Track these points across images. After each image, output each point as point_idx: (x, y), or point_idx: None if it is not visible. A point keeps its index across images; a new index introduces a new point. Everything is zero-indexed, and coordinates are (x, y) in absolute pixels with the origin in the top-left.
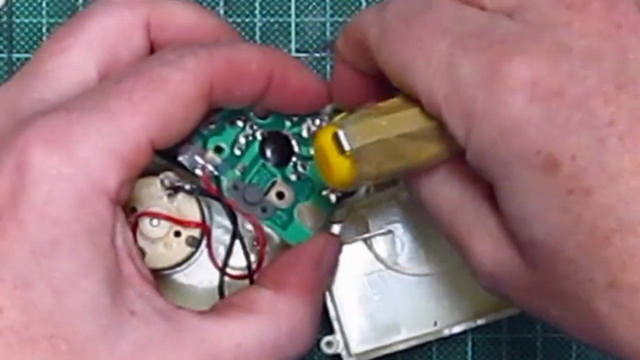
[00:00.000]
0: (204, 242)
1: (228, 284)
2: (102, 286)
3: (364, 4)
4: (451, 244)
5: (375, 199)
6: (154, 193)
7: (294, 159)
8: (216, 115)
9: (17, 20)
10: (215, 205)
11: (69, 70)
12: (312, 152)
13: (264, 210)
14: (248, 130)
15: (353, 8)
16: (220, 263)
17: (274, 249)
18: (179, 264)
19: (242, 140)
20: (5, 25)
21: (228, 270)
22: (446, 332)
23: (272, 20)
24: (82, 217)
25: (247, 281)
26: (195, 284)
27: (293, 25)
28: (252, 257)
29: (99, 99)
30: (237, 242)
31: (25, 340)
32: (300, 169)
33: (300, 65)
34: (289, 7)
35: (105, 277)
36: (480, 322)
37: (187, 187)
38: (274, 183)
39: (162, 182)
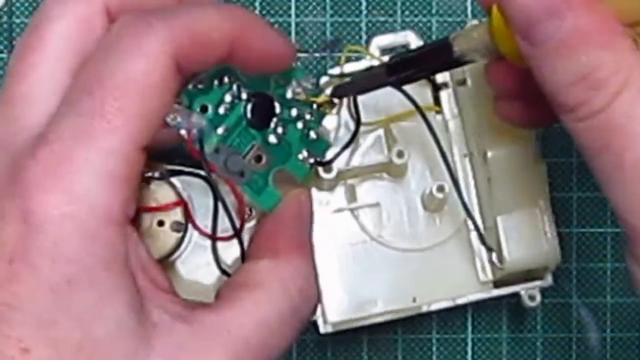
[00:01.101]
0: (190, 225)
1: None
2: (125, 310)
3: (363, 4)
4: None
5: (365, 170)
6: None
7: (275, 120)
8: (202, 74)
9: (17, 20)
10: (195, 187)
11: (43, 87)
12: (293, 113)
13: (242, 174)
14: (234, 90)
15: (353, 8)
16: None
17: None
18: (171, 253)
19: (228, 98)
20: (5, 25)
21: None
22: (424, 309)
23: (272, 20)
24: (93, 250)
25: (237, 251)
26: (193, 269)
27: (293, 25)
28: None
29: (74, 123)
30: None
31: None
32: (280, 131)
33: (264, 26)
34: (289, 7)
35: (126, 300)
36: (459, 301)
37: (157, 174)
38: (253, 146)
39: None
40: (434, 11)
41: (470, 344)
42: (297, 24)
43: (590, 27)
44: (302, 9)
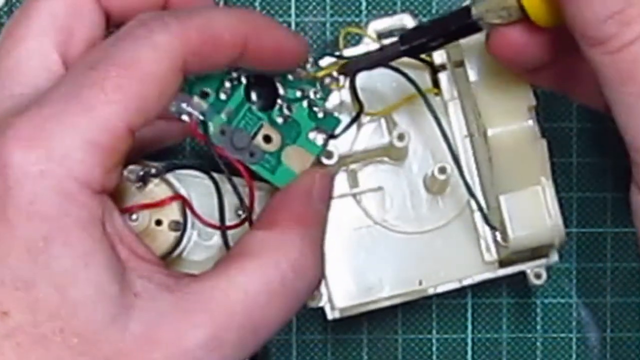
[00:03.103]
0: (189, 224)
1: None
2: (104, 275)
3: (363, 4)
4: None
5: (366, 154)
6: (124, 191)
7: (279, 101)
8: None
9: None
10: (194, 186)
11: (30, 59)
12: (297, 94)
13: (252, 154)
14: (233, 74)
15: (353, 8)
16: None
17: (264, 198)
18: (170, 252)
19: (227, 84)
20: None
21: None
22: (431, 291)
23: None
24: (69, 211)
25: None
26: (193, 268)
27: (293, 25)
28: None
29: (71, 90)
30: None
31: (37, 338)
32: (286, 111)
33: (276, 26)
34: (289, 7)
35: (105, 265)
36: (465, 282)
37: (153, 171)
38: (261, 127)
39: (128, 178)
40: (433, 11)
41: (470, 344)
42: (297, 24)
43: None
44: (302, 9)
